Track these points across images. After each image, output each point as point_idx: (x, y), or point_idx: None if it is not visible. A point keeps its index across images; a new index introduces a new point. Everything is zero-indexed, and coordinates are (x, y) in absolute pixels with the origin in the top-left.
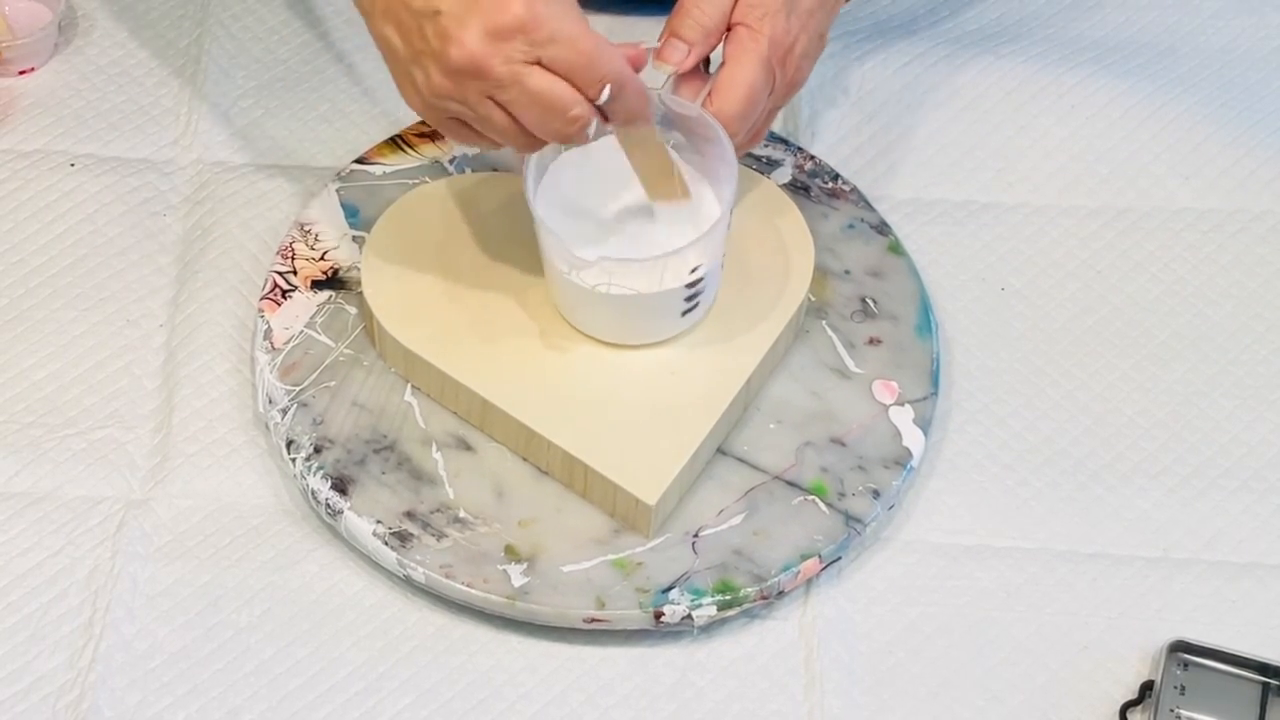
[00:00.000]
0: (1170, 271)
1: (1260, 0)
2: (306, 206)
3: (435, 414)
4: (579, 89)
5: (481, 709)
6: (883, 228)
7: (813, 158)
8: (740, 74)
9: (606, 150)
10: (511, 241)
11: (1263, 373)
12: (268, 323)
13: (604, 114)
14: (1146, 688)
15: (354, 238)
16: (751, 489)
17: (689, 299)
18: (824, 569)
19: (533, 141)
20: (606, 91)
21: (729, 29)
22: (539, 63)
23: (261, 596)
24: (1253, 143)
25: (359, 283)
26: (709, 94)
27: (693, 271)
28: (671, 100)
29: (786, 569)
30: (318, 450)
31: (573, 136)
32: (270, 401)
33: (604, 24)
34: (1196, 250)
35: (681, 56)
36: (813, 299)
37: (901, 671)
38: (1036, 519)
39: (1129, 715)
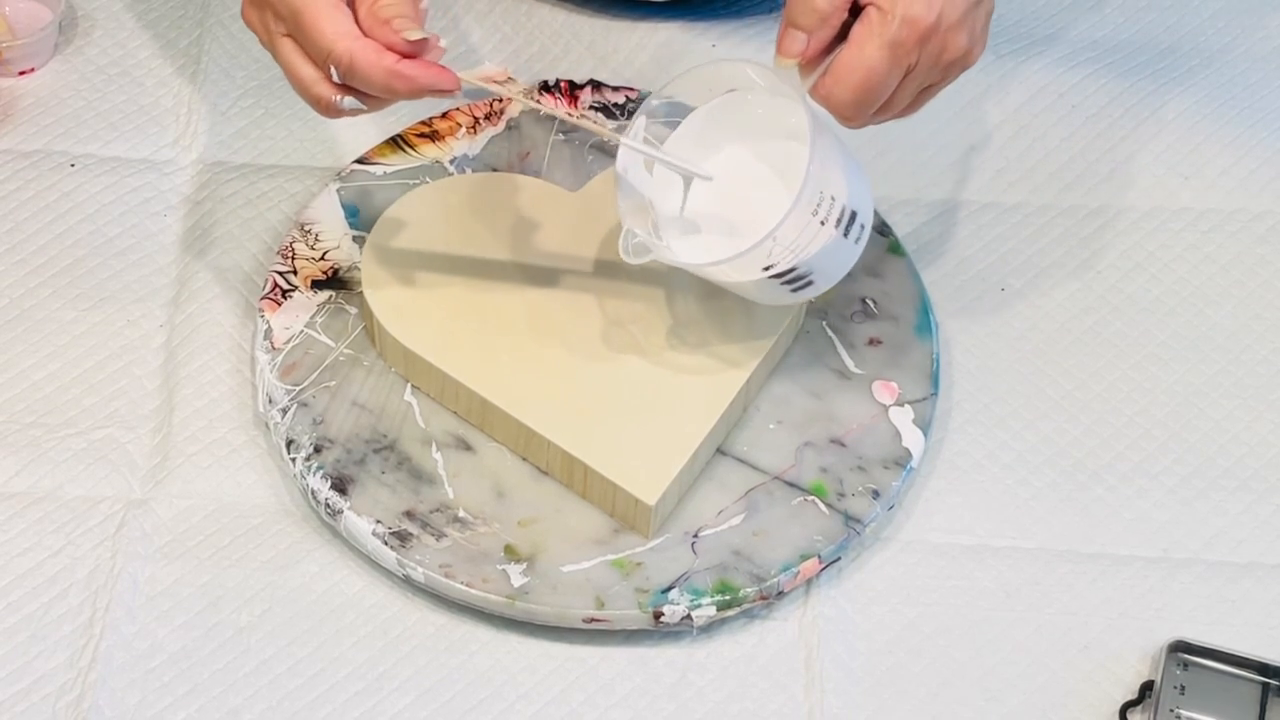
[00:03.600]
0: (1170, 271)
1: (1260, 0)
2: (306, 206)
3: (435, 414)
4: (321, 67)
5: (481, 709)
6: (883, 228)
7: None
8: (859, 58)
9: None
10: (512, 241)
11: (1263, 373)
12: (268, 323)
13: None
14: (1146, 688)
15: (354, 238)
16: (751, 489)
17: (789, 281)
18: (824, 569)
19: None
20: (334, 72)
21: (861, 8)
22: (289, 35)
23: (261, 596)
24: (1253, 143)
25: (359, 283)
26: (822, 76)
27: (765, 269)
28: (772, 83)
29: (786, 569)
30: (318, 450)
31: (323, 111)
32: (270, 401)
33: (603, 25)
34: (1196, 250)
35: (800, 47)
36: (813, 299)
37: (901, 671)
38: (1036, 519)
39: (1129, 715)
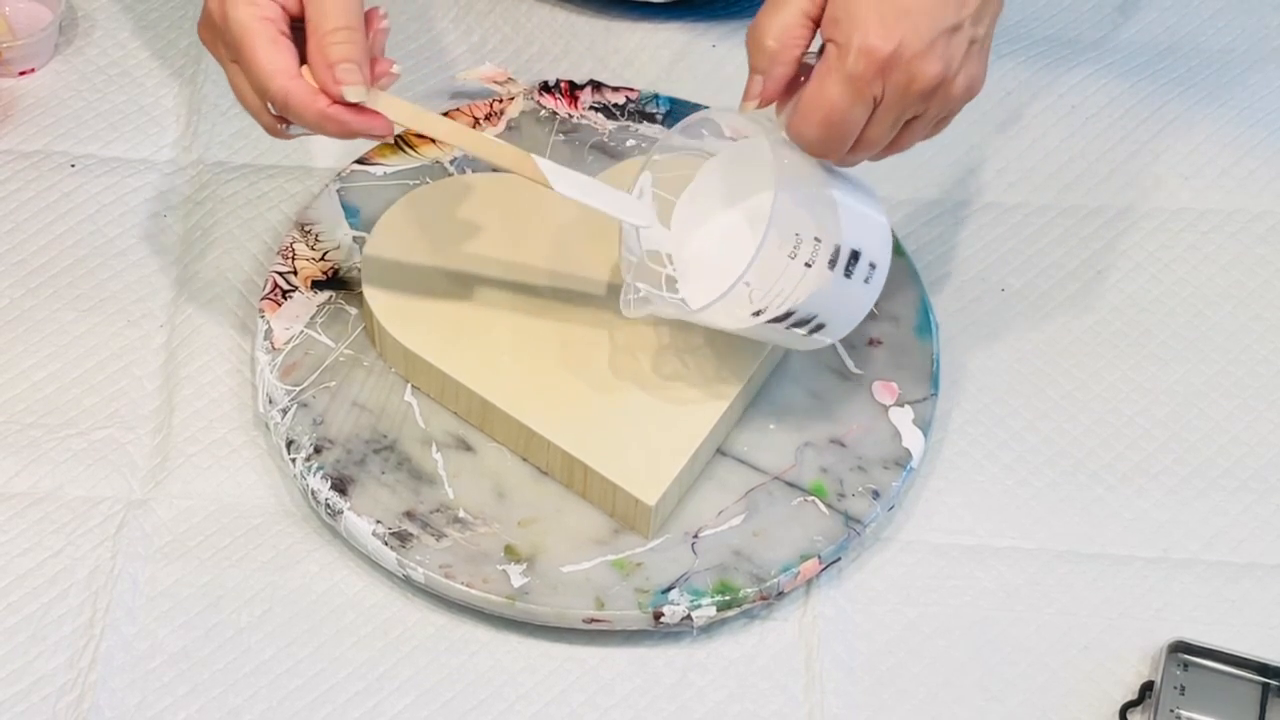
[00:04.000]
0: (1170, 271)
1: (1260, 0)
2: (306, 206)
3: (435, 414)
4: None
5: (481, 709)
6: None
7: None
8: (819, 93)
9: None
10: (512, 241)
11: (1263, 373)
12: (268, 323)
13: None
14: (1146, 688)
15: (354, 238)
16: (751, 489)
17: (795, 326)
18: (824, 569)
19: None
20: (271, 106)
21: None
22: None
23: (262, 596)
24: (1253, 143)
25: (359, 283)
26: (790, 115)
27: (757, 314)
28: (743, 126)
29: (786, 569)
30: (318, 450)
31: (272, 134)
32: (270, 401)
33: (603, 25)
34: (1196, 250)
35: (758, 89)
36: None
37: (901, 671)
38: (1036, 519)
39: (1129, 715)
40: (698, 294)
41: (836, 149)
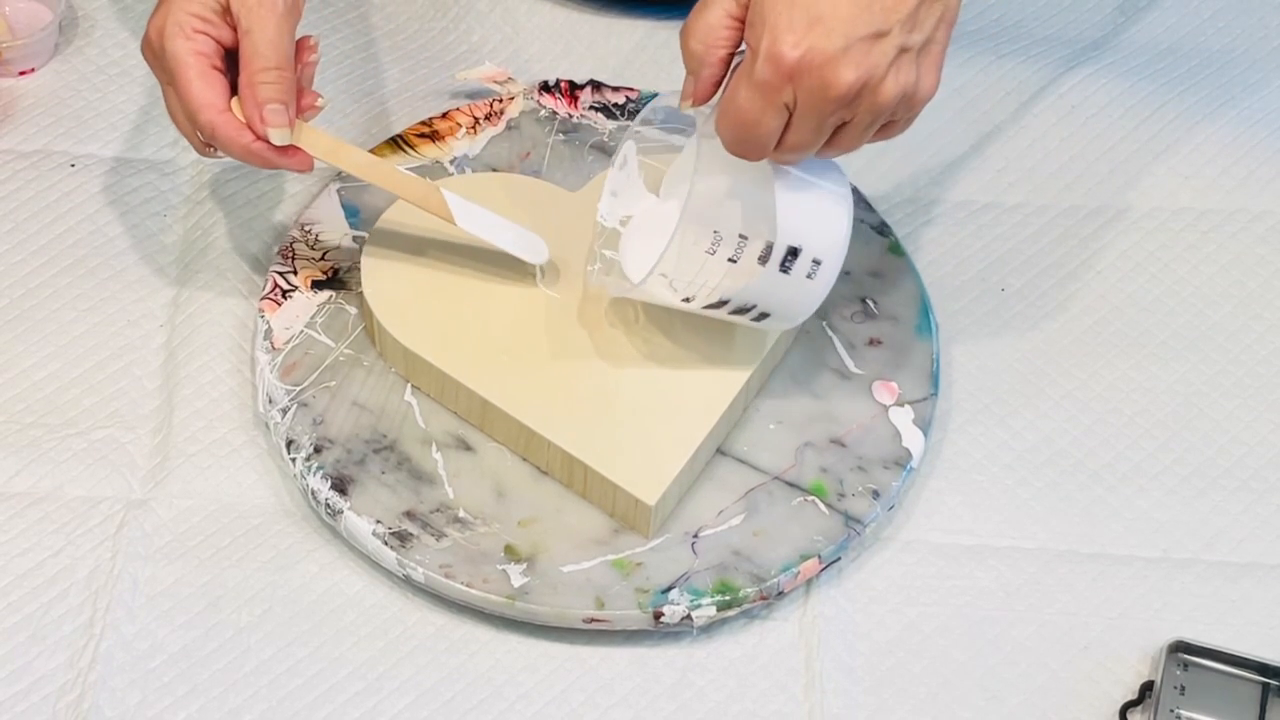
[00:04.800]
0: (1170, 271)
1: (1260, 1)
2: (306, 206)
3: (435, 414)
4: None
5: (481, 709)
6: (883, 228)
7: None
8: (731, 98)
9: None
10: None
11: (1263, 373)
12: (268, 323)
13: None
14: (1146, 688)
15: (354, 238)
16: (751, 489)
17: (737, 313)
18: (824, 569)
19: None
20: (199, 134)
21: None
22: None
23: (261, 596)
24: (1253, 143)
25: (359, 283)
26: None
27: (687, 301)
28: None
29: (786, 569)
30: (318, 450)
31: (201, 154)
32: (270, 401)
33: (603, 25)
34: (1196, 250)
35: (690, 89)
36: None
37: (901, 671)
38: (1036, 519)
39: (1129, 715)
40: (632, 273)
41: (754, 152)
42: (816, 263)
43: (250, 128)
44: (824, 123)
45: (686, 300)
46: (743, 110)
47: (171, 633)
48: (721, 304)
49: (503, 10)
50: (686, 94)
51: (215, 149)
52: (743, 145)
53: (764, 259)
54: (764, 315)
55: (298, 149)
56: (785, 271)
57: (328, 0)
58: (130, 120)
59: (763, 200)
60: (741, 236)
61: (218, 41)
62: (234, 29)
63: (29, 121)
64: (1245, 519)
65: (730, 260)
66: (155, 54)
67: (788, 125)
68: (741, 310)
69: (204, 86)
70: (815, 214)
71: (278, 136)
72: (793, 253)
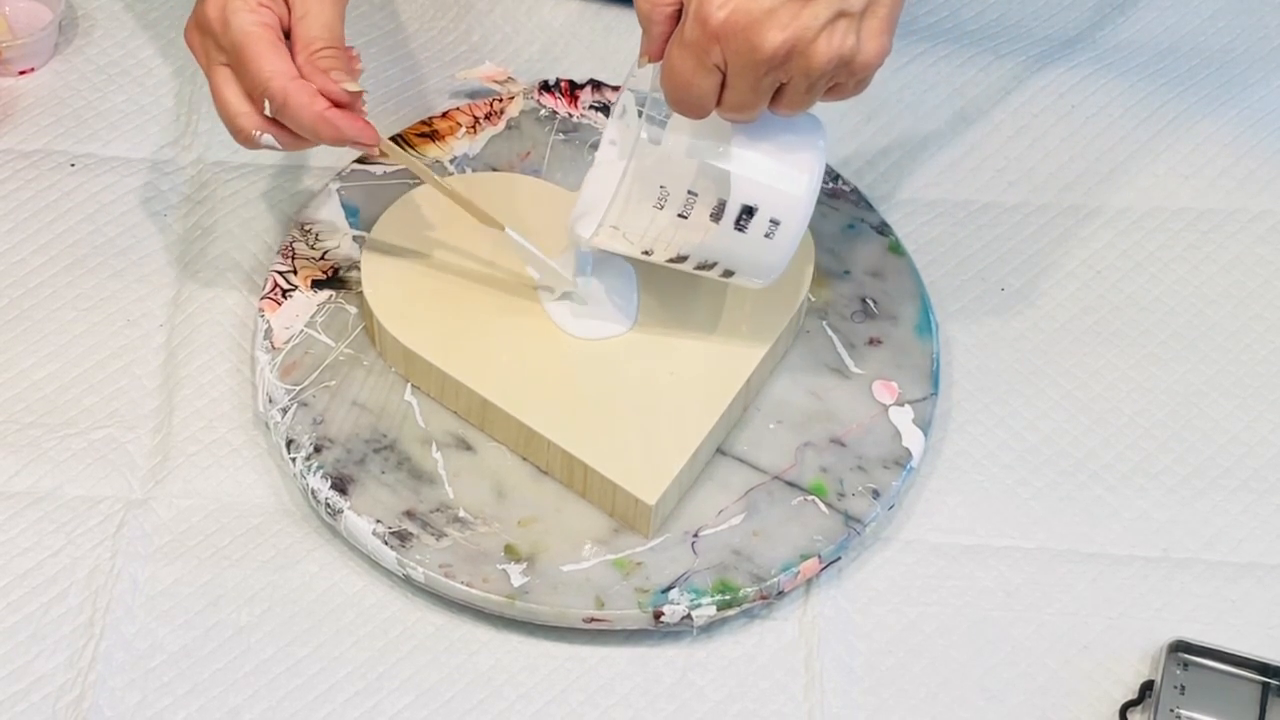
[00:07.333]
0: (1170, 271)
1: (1260, 0)
2: (306, 206)
3: (435, 414)
4: (253, 100)
5: (481, 709)
6: (883, 228)
7: None
8: (668, 59)
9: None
10: (512, 241)
11: (1263, 373)
12: (268, 322)
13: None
14: (1146, 688)
15: (354, 238)
16: (751, 489)
17: (701, 269)
18: (824, 569)
19: None
20: (268, 105)
21: None
22: (227, 65)
23: (261, 596)
24: (1253, 143)
25: (359, 283)
26: None
27: (646, 253)
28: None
29: (786, 569)
30: (318, 450)
31: (241, 141)
32: (270, 401)
33: (603, 25)
34: (1196, 250)
35: (644, 46)
36: (813, 299)
37: (901, 671)
38: (1036, 519)
39: (1129, 715)
40: (581, 228)
41: (693, 110)
42: (774, 222)
43: (324, 92)
44: (759, 84)
45: (647, 254)
46: (675, 70)
47: (171, 632)
48: (681, 259)
49: (503, 10)
50: (642, 50)
51: (264, 135)
52: (682, 104)
53: (716, 216)
54: (729, 272)
55: (366, 121)
56: (741, 230)
57: None
58: (130, 120)
59: (715, 157)
60: (690, 193)
61: (279, 19)
62: (289, 11)
63: (29, 121)
64: (1245, 519)
65: (680, 216)
66: (213, 31)
67: (724, 85)
68: (704, 266)
69: (275, 56)
70: (772, 173)
71: (351, 85)
72: (748, 211)
